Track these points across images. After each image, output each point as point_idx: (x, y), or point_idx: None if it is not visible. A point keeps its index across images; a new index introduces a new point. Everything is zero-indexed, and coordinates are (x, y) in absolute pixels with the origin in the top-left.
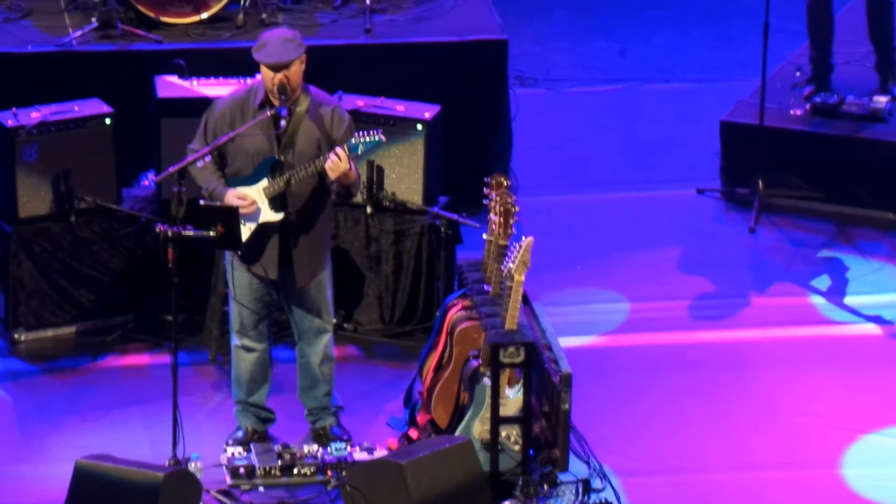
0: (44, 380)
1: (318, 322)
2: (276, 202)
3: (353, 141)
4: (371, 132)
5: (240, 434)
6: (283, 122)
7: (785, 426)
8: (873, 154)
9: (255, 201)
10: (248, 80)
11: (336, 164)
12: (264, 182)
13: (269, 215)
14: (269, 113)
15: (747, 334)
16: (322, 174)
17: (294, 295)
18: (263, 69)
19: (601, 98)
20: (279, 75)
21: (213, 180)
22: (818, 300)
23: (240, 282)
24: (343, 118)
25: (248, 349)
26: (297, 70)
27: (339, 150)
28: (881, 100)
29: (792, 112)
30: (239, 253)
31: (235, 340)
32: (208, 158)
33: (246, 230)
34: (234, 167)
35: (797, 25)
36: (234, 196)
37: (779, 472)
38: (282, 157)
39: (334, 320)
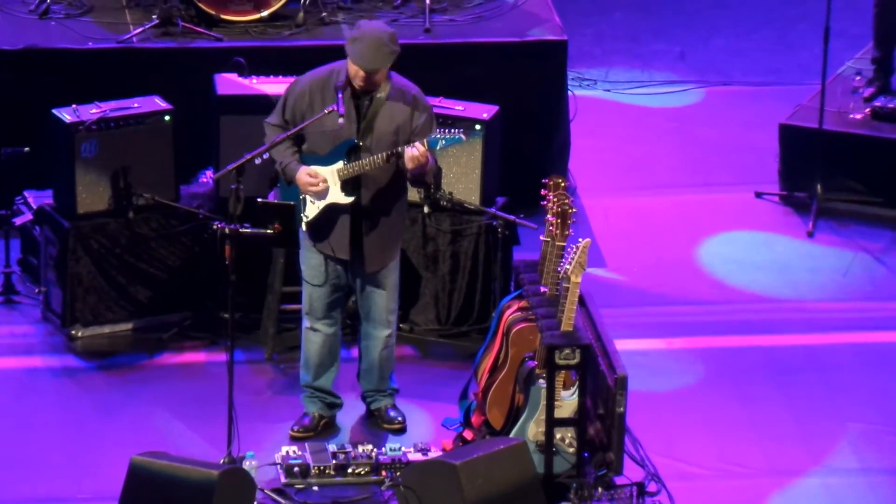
0: (100, 376)
1: (383, 309)
2: (349, 185)
3: (434, 136)
4: (452, 130)
5: (306, 420)
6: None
7: (835, 431)
8: None
9: (325, 180)
10: None
11: (414, 157)
12: (339, 164)
13: (339, 197)
14: (340, 120)
15: (805, 339)
16: (398, 162)
17: (363, 279)
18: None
19: (660, 100)
20: (363, 74)
21: (288, 156)
22: (876, 305)
23: (311, 263)
24: (424, 106)
25: (317, 331)
26: (383, 73)
27: (419, 144)
28: None
29: (851, 116)
30: (311, 235)
31: (305, 322)
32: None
33: (314, 208)
34: (309, 145)
35: (858, 30)
36: (306, 174)
37: (842, 478)
38: (360, 142)
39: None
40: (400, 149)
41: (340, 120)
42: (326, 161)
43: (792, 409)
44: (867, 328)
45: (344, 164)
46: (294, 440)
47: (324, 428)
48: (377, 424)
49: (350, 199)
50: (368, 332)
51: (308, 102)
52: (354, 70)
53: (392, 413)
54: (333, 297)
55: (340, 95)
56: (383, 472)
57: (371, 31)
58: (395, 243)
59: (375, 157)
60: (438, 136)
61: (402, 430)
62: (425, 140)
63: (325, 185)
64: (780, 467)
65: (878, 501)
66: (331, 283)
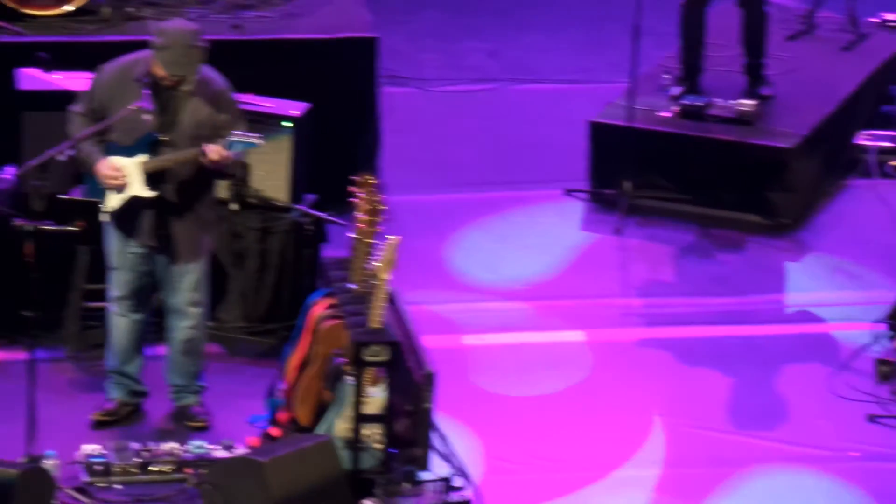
0: None
1: (186, 301)
2: (152, 178)
3: (232, 139)
4: (250, 134)
5: (109, 405)
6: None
7: (644, 425)
8: (739, 157)
9: (126, 174)
10: None
11: (212, 160)
12: (142, 157)
13: (141, 190)
14: (146, 116)
15: (611, 334)
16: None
17: (167, 269)
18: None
19: (471, 98)
20: (176, 78)
21: (89, 144)
22: (681, 301)
23: (115, 249)
24: (228, 102)
25: (122, 316)
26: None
27: (217, 147)
28: (748, 103)
29: (660, 114)
30: (113, 221)
31: (111, 307)
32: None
33: (117, 199)
34: (114, 135)
35: (666, 28)
36: (107, 166)
37: (651, 471)
38: (163, 136)
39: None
40: (202, 148)
41: (146, 116)
42: (130, 153)
43: (597, 404)
44: (675, 323)
45: (148, 158)
46: (97, 425)
47: (127, 415)
48: (181, 422)
49: (153, 194)
50: (171, 323)
51: (110, 92)
52: (163, 72)
53: (196, 410)
54: (138, 283)
55: (148, 91)
56: (188, 470)
57: (177, 35)
58: (204, 237)
59: (179, 154)
60: (236, 139)
61: (205, 428)
62: (224, 143)
63: (124, 179)
64: (594, 462)
65: (679, 493)
66: (134, 268)
